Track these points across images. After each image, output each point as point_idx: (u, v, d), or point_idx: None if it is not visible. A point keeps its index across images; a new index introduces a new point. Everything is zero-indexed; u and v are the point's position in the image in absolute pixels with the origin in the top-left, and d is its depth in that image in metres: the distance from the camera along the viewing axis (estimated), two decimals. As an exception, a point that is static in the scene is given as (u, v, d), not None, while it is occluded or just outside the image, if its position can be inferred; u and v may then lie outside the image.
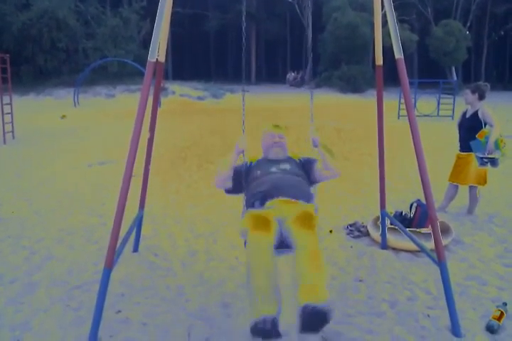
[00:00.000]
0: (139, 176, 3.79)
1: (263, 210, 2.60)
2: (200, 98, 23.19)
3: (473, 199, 5.03)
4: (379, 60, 3.52)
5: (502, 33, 41.36)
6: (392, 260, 3.95)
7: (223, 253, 4.06)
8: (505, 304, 2.96)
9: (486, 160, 4.58)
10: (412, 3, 30.18)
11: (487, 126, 4.70)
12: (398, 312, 3.06)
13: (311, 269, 2.33)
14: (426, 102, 16.90)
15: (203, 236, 4.49)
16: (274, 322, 2.23)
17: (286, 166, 2.91)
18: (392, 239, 4.10)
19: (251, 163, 3.02)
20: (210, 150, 9.51)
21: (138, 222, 3.81)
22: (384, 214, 4.01)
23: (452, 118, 15.71)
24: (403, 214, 4.43)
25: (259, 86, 33.37)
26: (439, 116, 16.14)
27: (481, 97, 4.79)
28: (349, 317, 3.01)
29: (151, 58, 2.70)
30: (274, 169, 2.87)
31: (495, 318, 2.85)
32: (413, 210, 4.38)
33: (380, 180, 3.91)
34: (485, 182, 4.91)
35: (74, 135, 12.56)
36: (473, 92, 4.79)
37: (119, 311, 3.00)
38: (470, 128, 4.79)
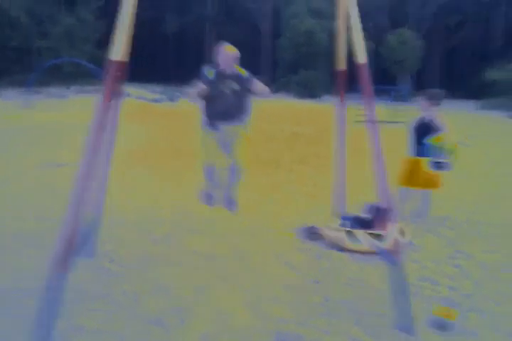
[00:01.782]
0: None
1: (213, 133, 3.90)
2: (156, 100, 22.87)
3: (426, 203, 5.20)
4: (342, 65, 3.59)
5: (453, 43, 43.13)
6: (349, 261, 4.02)
7: (178, 257, 4.01)
8: (454, 303, 3.08)
9: (438, 164, 4.76)
10: (368, 12, 31.05)
11: (440, 132, 4.88)
12: (353, 313, 3.12)
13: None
14: (379, 109, 17.39)
15: (159, 241, 4.41)
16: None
17: (235, 85, 3.73)
18: (348, 241, 4.17)
19: (210, 77, 3.75)
20: (161, 153, 9.37)
21: (93, 227, 3.71)
22: (342, 217, 4.09)
23: (404, 124, 16.20)
24: (359, 216, 4.52)
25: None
26: (391, 122, 16.60)
27: (436, 104, 4.97)
28: (305, 318, 3.05)
29: (115, 57, 2.63)
30: (226, 89, 3.72)
31: (446, 316, 2.95)
32: (370, 213, 4.48)
33: (339, 184, 3.98)
34: (437, 185, 5.09)
35: (25, 136, 12.07)
36: (428, 99, 4.97)
37: (73, 319, 2.90)
38: (424, 133, 4.96)
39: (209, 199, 4.30)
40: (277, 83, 30.31)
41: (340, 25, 3.45)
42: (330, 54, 33.25)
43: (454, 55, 44.95)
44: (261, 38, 35.24)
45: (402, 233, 4.31)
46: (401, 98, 18.41)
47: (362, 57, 2.90)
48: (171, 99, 23.26)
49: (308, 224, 4.76)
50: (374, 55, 31.57)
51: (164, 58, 46.10)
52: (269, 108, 20.28)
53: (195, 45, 46.90)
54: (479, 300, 3.33)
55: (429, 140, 4.89)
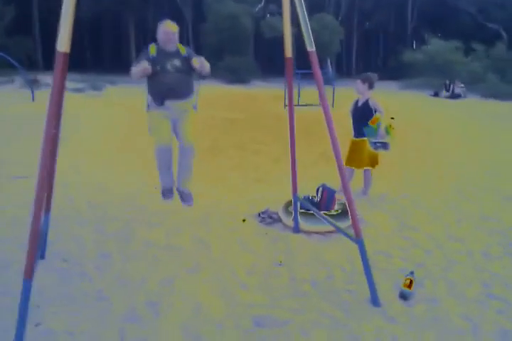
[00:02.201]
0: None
1: (161, 112, 3.77)
2: (78, 90, 21.70)
3: (368, 181, 5.47)
4: (288, 53, 3.63)
5: (368, 26, 44.93)
6: (306, 242, 4.16)
7: (138, 251, 3.93)
8: (412, 273, 3.30)
9: (378, 144, 5.00)
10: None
11: (377, 113, 5.12)
12: (320, 291, 3.25)
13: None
14: (307, 92, 17.75)
15: (113, 236, 4.28)
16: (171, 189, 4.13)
17: (178, 63, 3.70)
18: (303, 222, 4.30)
19: (153, 55, 3.67)
20: (100, 148, 9.00)
21: (44, 227, 3.52)
22: (296, 199, 4.19)
23: (333, 106, 16.73)
24: (310, 198, 4.66)
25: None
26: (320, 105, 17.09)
27: (371, 87, 5.19)
28: (276, 300, 3.13)
29: (60, 48, 2.49)
30: (169, 67, 3.67)
31: (406, 286, 3.16)
32: (319, 194, 4.63)
33: (292, 167, 4.07)
34: (377, 164, 5.37)
35: None
36: (363, 82, 5.18)
37: (39, 324, 2.76)
38: (362, 115, 5.18)
39: (169, 194, 4.14)
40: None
41: (284, 15, 3.48)
42: (255, 38, 33.40)
43: (370, 38, 46.82)
44: (184, 23, 34.47)
45: (346, 211, 4.51)
46: (327, 81, 19.00)
47: (310, 44, 2.96)
48: (95, 88, 22.18)
49: (261, 209, 4.84)
50: (297, 39, 32.17)
51: (80, 44, 43.79)
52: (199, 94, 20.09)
53: (113, 32, 44.98)
54: (431, 268, 3.59)
55: (368, 122, 5.12)
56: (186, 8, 35.32)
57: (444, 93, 22.45)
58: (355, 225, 3.02)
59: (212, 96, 20.46)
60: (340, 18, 34.01)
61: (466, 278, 3.42)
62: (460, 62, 24.20)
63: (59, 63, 2.49)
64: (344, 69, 42.69)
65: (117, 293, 3.19)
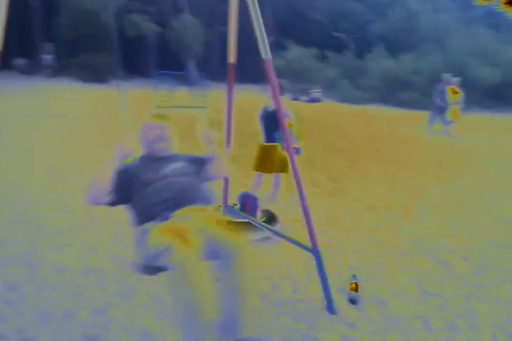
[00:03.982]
0: None
1: (175, 222, 2.28)
2: None
3: (277, 185, 5.54)
4: (231, 58, 3.48)
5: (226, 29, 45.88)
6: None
7: (48, 278, 3.41)
8: (354, 276, 3.40)
9: (293, 149, 5.08)
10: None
11: (288, 119, 5.19)
12: (271, 303, 3.17)
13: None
14: (180, 94, 17.49)
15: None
16: None
17: (179, 165, 2.59)
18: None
19: (131, 164, 2.55)
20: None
21: None
22: (227, 209, 4.05)
23: (206, 108, 16.72)
24: (232, 206, 4.55)
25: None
26: (193, 107, 16.98)
27: (282, 92, 5.25)
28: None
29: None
30: (165, 171, 2.52)
31: (353, 290, 3.25)
32: (241, 202, 4.55)
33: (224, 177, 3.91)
34: (287, 169, 5.46)
35: None
36: (273, 88, 5.21)
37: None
38: (273, 121, 5.20)
39: None
40: (57, 66, 27.48)
41: (231, 20, 3.32)
42: (115, 35, 31.58)
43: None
44: (31, 16, 31.23)
45: (272, 217, 4.52)
46: (189, 82, 19.02)
47: (265, 52, 2.86)
48: None
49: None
50: (160, 38, 31.44)
51: None
52: (54, 95, 18.39)
53: None
54: (365, 270, 3.75)
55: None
56: (33, 0, 32.13)
57: (303, 97, 23.99)
58: (311, 235, 3.00)
59: (68, 97, 18.90)
60: (202, 20, 34.14)
61: (399, 277, 3.64)
62: (316, 68, 26.10)
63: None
64: (208, 71, 43.01)
65: (43, 332, 2.71)
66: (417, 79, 22.01)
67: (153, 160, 2.59)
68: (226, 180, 3.93)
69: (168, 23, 31.14)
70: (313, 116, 15.73)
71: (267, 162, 5.34)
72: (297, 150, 5.15)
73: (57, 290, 3.21)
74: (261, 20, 2.80)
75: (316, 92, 23.77)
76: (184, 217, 2.35)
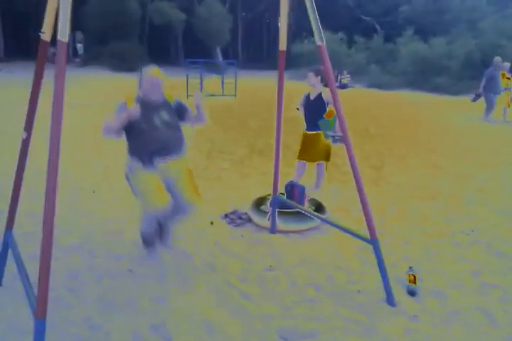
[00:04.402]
0: None
1: (153, 173, 3.15)
2: None
3: (321, 174, 5.49)
4: (282, 46, 3.42)
5: (249, 16, 45.51)
6: (287, 243, 4.03)
7: (110, 267, 3.47)
8: (410, 268, 3.35)
9: (337, 137, 5.01)
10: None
11: (330, 106, 5.11)
12: (327, 294, 3.15)
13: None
14: (206, 82, 17.45)
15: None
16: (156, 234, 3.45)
17: (166, 116, 3.21)
18: (281, 222, 4.16)
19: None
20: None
21: (5, 247, 2.93)
22: (276, 199, 4.03)
23: (235, 96, 16.68)
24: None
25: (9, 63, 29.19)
26: (223, 95, 16.92)
27: (323, 79, 5.16)
28: (287, 309, 2.97)
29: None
30: (157, 121, 3.15)
31: (411, 282, 3.20)
32: (288, 191, 4.52)
33: (275, 165, 3.89)
34: (329, 158, 5.40)
35: None
36: (316, 75, 5.13)
37: None
38: (316, 109, 5.14)
39: (152, 244, 3.54)
40: (87, 55, 27.83)
41: (282, 8, 3.26)
42: (143, 24, 31.73)
43: (253, 28, 47.50)
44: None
45: (320, 206, 4.48)
46: (218, 71, 18.94)
47: (319, 39, 2.85)
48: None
49: (230, 210, 4.59)
50: (186, 26, 31.31)
51: None
52: (82, 84, 18.61)
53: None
54: (418, 260, 3.69)
55: (323, 115, 5.11)
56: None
57: (332, 83, 23.67)
58: (369, 225, 2.96)
59: (99, 84, 19.09)
60: (227, 6, 33.83)
61: (456, 268, 3.57)
62: (345, 53, 25.66)
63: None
64: (231, 58, 42.82)
65: (109, 320, 2.77)
66: (450, 63, 21.39)
67: (147, 106, 3.14)
68: (276, 169, 3.90)
69: (193, 11, 30.95)
70: (344, 103, 15.53)
71: (310, 150, 5.28)
72: (342, 138, 5.07)
73: (115, 279, 3.27)
74: (315, 8, 2.75)
75: (345, 78, 23.40)
76: (162, 169, 3.17)
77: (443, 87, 20.28)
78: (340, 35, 26.52)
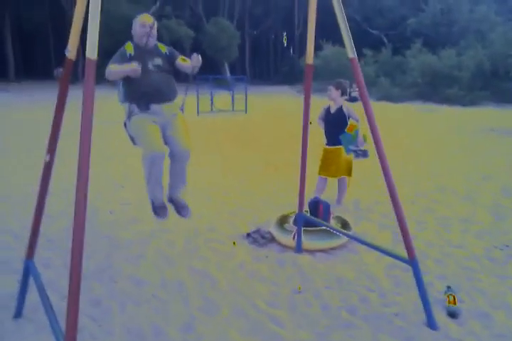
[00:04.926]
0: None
1: (147, 117, 3.24)
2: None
3: (343, 190, 5.33)
4: (310, 59, 3.33)
5: (256, 32, 45.96)
6: (314, 263, 3.86)
7: (131, 292, 3.32)
8: (448, 287, 3.17)
9: (359, 152, 4.88)
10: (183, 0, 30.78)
11: (351, 120, 5.00)
12: (363, 318, 2.98)
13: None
14: (215, 98, 17.47)
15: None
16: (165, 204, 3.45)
17: (159, 62, 3.31)
18: (307, 241, 4.00)
19: (130, 53, 3.25)
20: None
21: (25, 277, 2.80)
22: (301, 217, 3.88)
23: (246, 112, 16.66)
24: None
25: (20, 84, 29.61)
26: (233, 110, 16.92)
27: (343, 93, 5.06)
28: (323, 335, 2.79)
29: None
30: (150, 66, 3.26)
31: (451, 303, 3.02)
32: (313, 209, 4.37)
33: (301, 181, 3.76)
34: (351, 173, 5.25)
35: None
36: (336, 88, 5.02)
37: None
38: (337, 123, 5.03)
39: (164, 211, 3.45)
40: (96, 73, 28.01)
41: (310, 18, 3.19)
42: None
43: (260, 43, 47.91)
44: (65, 22, 32.07)
45: (345, 224, 4.32)
46: (227, 87, 18.99)
47: (351, 51, 2.79)
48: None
49: (250, 229, 4.45)
50: (195, 42, 31.59)
51: None
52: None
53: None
54: (454, 279, 3.50)
55: (344, 129, 4.99)
56: (67, 6, 32.92)
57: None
58: (408, 244, 2.79)
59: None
60: (235, 23, 34.15)
61: (493, 286, 3.38)
62: (353, 66, 25.62)
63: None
64: (239, 74, 43.15)
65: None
66: (461, 74, 21.28)
67: (142, 51, 3.21)
68: (302, 185, 3.77)
69: (202, 27, 31.26)
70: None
71: (331, 166, 5.14)
72: (364, 153, 4.95)
73: (140, 306, 3.12)
74: (346, 22, 2.68)
75: (355, 91, 23.34)
76: (156, 112, 3.25)
77: (454, 97, 20.14)
78: (348, 48, 26.53)
